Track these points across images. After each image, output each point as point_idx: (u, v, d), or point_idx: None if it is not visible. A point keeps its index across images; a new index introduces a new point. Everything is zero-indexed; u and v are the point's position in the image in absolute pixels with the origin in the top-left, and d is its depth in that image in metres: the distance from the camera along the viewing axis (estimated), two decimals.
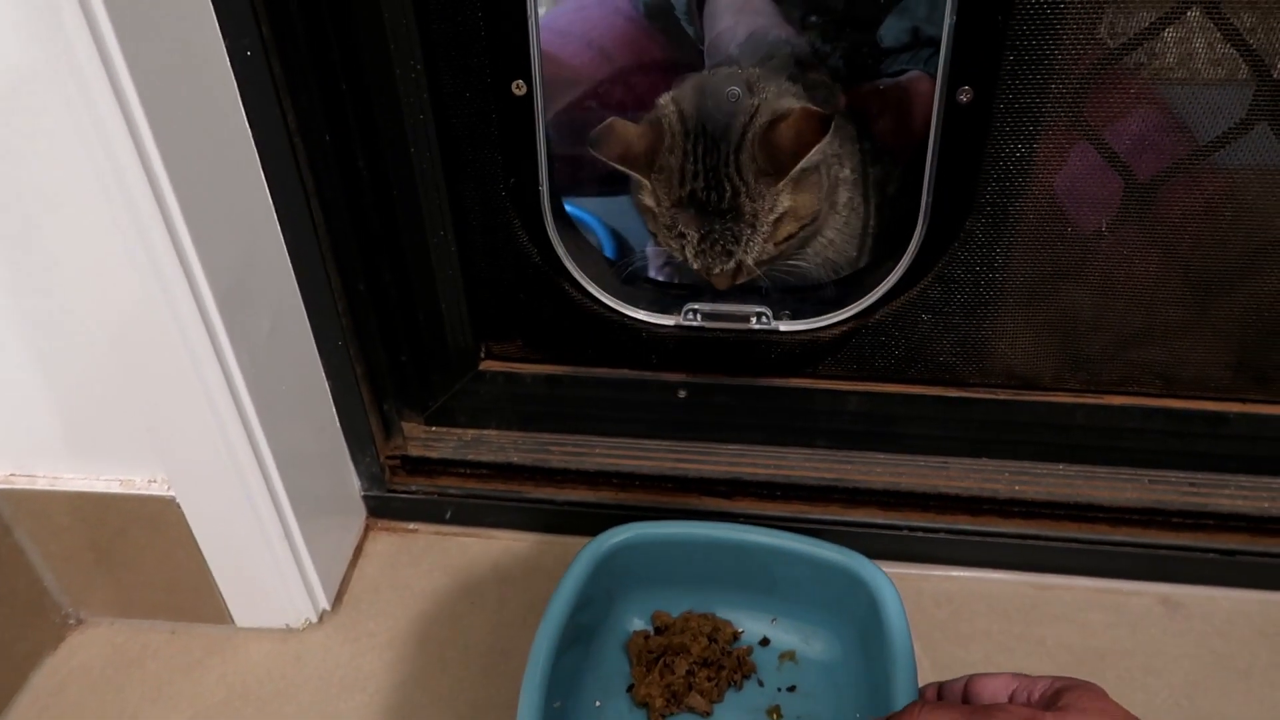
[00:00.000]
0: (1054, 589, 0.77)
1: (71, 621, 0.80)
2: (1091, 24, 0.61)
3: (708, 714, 0.67)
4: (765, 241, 0.72)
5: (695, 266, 0.73)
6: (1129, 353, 0.76)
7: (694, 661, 0.69)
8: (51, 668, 0.76)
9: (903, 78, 0.81)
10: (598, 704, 0.68)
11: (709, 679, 0.68)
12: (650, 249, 0.96)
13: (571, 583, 0.66)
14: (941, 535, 0.79)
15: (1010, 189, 0.68)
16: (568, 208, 0.80)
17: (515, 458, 0.85)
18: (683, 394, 0.83)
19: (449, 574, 0.82)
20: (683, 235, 0.72)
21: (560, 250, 0.71)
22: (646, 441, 0.85)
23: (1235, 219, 0.68)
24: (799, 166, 0.68)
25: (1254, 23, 0.62)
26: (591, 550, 0.69)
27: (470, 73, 0.70)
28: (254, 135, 0.64)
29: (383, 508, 0.87)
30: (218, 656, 0.76)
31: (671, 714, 0.67)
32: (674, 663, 0.69)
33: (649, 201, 0.72)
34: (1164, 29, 0.62)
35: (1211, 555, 0.75)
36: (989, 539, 0.78)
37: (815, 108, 0.70)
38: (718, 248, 0.71)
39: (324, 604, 0.78)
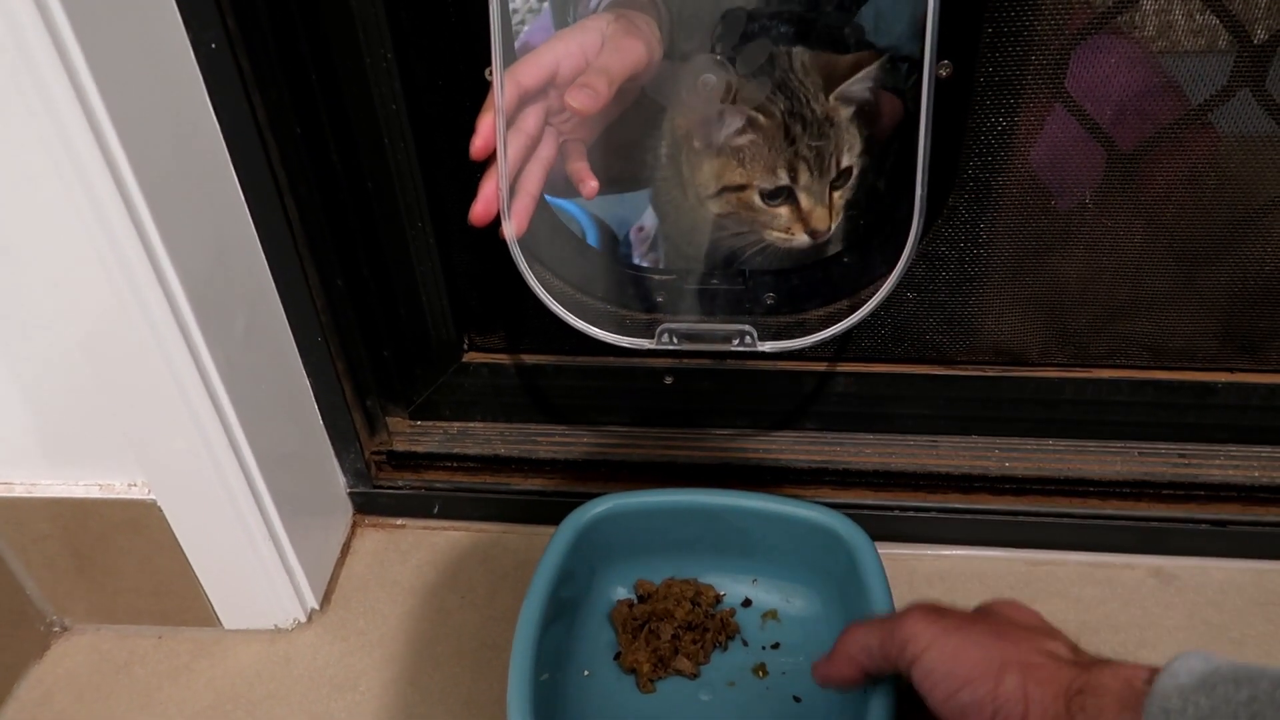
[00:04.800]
0: (1046, 565, 0.77)
1: (56, 629, 0.79)
2: None
3: (695, 675, 0.69)
4: (850, 148, 0.70)
5: (789, 214, 0.71)
6: (1116, 325, 0.76)
7: (678, 626, 0.70)
8: (37, 677, 0.75)
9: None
10: (586, 674, 0.69)
11: (694, 642, 0.70)
12: (634, 234, 0.96)
13: (552, 558, 0.67)
14: (933, 514, 0.78)
15: (993, 163, 0.68)
16: (547, 198, 0.78)
17: (502, 449, 0.85)
18: (669, 380, 0.82)
19: (438, 569, 0.81)
20: (796, 156, 0.69)
21: (523, 267, 0.66)
22: (634, 429, 0.84)
23: (1219, 187, 0.68)
24: (853, 84, 0.68)
25: None
26: (571, 524, 0.70)
27: (442, 60, 0.68)
28: (222, 130, 0.63)
29: (369, 504, 0.86)
30: (206, 660, 0.75)
31: (660, 677, 0.69)
32: (659, 628, 0.70)
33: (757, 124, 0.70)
34: None
35: (1203, 526, 0.75)
36: (980, 517, 0.78)
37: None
38: (826, 160, 0.69)
39: (312, 603, 0.78)
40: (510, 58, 0.61)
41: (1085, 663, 0.44)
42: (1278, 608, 0.72)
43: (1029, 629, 0.48)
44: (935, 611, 0.49)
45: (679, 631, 0.70)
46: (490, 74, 0.58)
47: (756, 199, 0.71)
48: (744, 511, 0.72)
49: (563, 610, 0.68)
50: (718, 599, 0.74)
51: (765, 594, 0.74)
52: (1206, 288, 0.73)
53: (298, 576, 0.76)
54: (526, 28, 0.90)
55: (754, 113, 0.68)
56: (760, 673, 0.69)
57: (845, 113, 0.69)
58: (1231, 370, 0.76)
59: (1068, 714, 0.42)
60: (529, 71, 0.60)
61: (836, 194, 0.71)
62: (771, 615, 0.72)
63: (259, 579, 0.74)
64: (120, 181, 0.54)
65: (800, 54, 0.70)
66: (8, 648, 0.75)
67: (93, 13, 0.51)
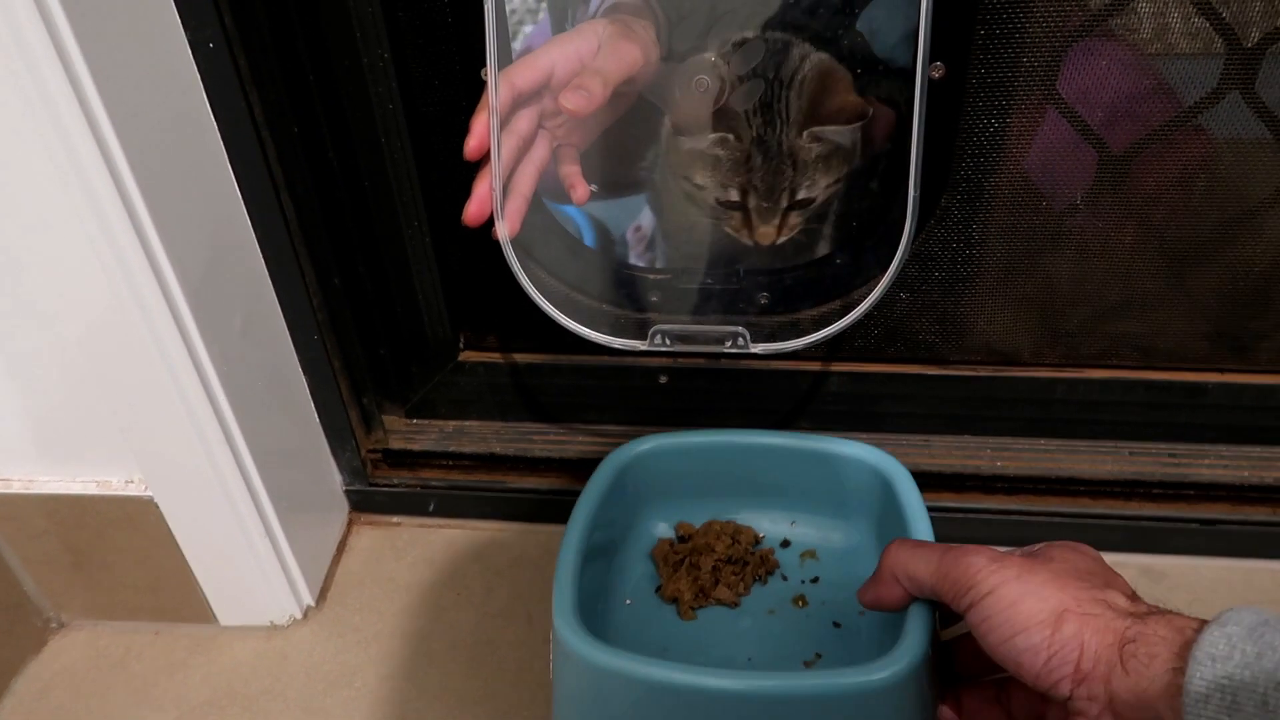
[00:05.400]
0: None
1: (53, 625, 0.79)
2: None
3: (735, 604, 0.70)
4: (810, 185, 0.71)
5: (740, 219, 0.72)
6: (1107, 326, 0.76)
7: (718, 559, 0.71)
8: (34, 672, 0.76)
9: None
10: (628, 602, 0.71)
11: (734, 574, 0.71)
12: (630, 234, 0.96)
13: (593, 492, 0.68)
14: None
15: (985, 165, 0.68)
16: (544, 200, 0.79)
17: (498, 448, 0.85)
18: (664, 379, 0.82)
19: (433, 566, 0.82)
20: (749, 181, 0.70)
21: (516, 267, 0.65)
22: (630, 428, 0.85)
23: (1208, 189, 0.68)
24: (827, 132, 0.68)
25: None
26: (613, 461, 0.71)
27: (439, 60, 0.69)
28: (220, 129, 0.63)
29: (365, 502, 0.87)
30: (202, 656, 0.76)
31: (700, 606, 0.70)
32: (699, 561, 0.71)
33: (720, 151, 0.71)
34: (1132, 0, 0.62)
35: (1193, 525, 0.76)
36: (973, 516, 0.78)
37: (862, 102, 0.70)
38: (776, 191, 0.70)
39: (308, 600, 0.78)
40: (508, 60, 0.62)
41: (1140, 612, 0.45)
42: (1266, 606, 0.72)
43: (1089, 577, 0.48)
44: (996, 557, 0.49)
45: (719, 564, 0.71)
46: (485, 75, 0.58)
47: (712, 199, 0.72)
48: (780, 450, 0.73)
49: (603, 550, 0.70)
50: (757, 540, 0.75)
51: (804, 534, 0.75)
52: (1197, 289, 0.73)
53: (294, 573, 0.76)
54: (527, 29, 0.90)
55: (726, 133, 0.69)
56: (800, 603, 0.70)
57: (815, 150, 0.69)
58: (1221, 371, 0.77)
59: (1120, 661, 0.43)
60: (524, 73, 0.60)
61: (793, 214, 0.72)
62: (810, 555, 0.74)
63: (255, 575, 0.74)
64: (118, 179, 0.54)
65: (812, 65, 0.69)
66: (5, 644, 0.75)
67: (91, 11, 0.51)
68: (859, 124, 0.67)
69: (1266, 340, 0.74)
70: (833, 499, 0.73)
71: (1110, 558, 0.75)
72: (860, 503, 0.72)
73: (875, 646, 0.64)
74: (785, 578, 0.72)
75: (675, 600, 0.70)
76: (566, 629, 0.57)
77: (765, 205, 0.71)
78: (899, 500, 0.66)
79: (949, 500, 0.79)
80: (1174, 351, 0.76)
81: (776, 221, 0.72)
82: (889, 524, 0.68)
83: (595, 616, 0.66)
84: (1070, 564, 0.49)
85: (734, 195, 0.71)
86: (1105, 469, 0.77)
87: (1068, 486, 0.77)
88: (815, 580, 0.72)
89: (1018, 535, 0.78)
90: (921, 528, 0.64)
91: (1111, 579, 0.49)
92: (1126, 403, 0.78)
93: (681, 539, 0.75)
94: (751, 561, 0.72)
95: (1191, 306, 0.74)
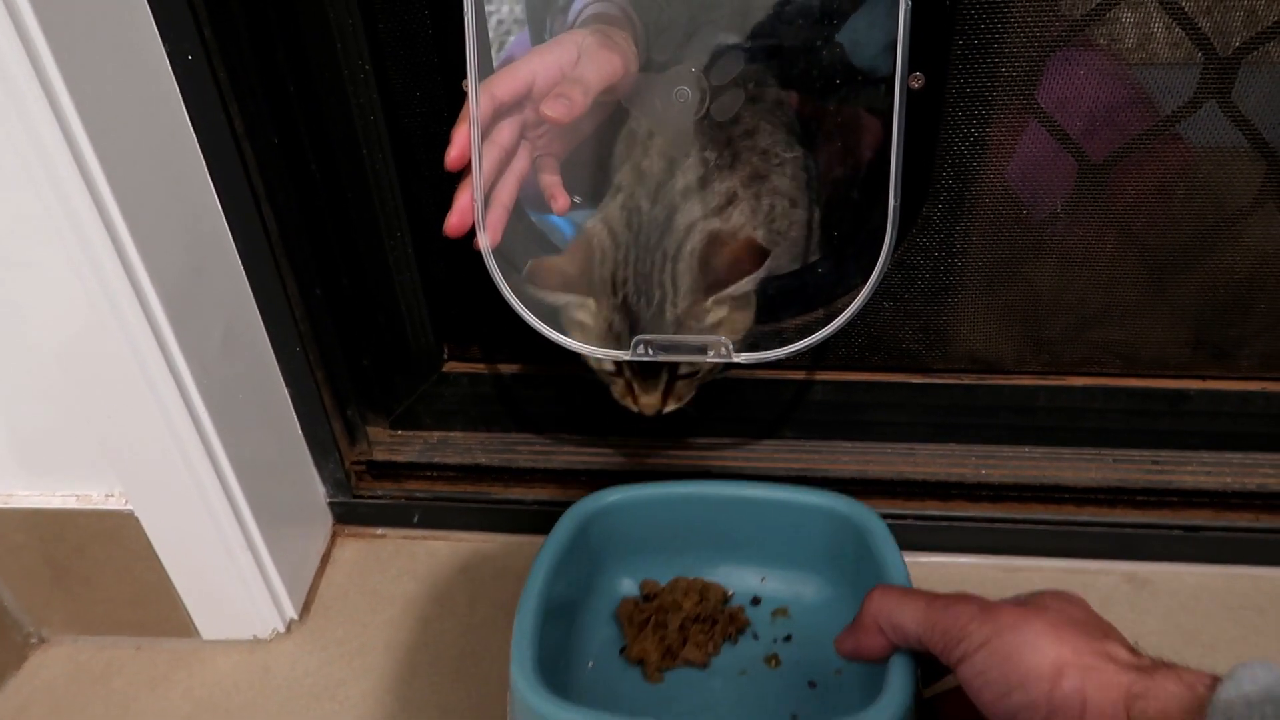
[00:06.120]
0: (1023, 571, 0.77)
1: (33, 641, 0.79)
2: (1038, 7, 0.61)
3: (705, 665, 0.67)
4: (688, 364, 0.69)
5: (624, 386, 0.71)
6: (1089, 333, 0.77)
7: (686, 617, 0.69)
8: (14, 688, 0.75)
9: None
10: (591, 664, 0.68)
11: (703, 633, 0.68)
12: None
13: (552, 550, 0.65)
14: (910, 521, 0.79)
15: (966, 174, 0.68)
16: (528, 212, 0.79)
17: (482, 459, 0.85)
18: None
19: (418, 578, 0.81)
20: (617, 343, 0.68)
21: (497, 278, 0.64)
22: (614, 438, 0.85)
23: (1187, 198, 0.69)
24: (729, 291, 0.66)
25: (1210, 2, 0.62)
26: (573, 516, 0.68)
27: (420, 71, 0.69)
28: (199, 140, 0.63)
29: (349, 514, 0.86)
30: (184, 670, 0.75)
31: (668, 667, 0.67)
32: (666, 620, 0.69)
33: (583, 316, 0.69)
34: (1110, 9, 0.62)
35: (1176, 532, 0.76)
36: (957, 524, 0.78)
37: (757, 239, 0.68)
38: (640, 363, 0.69)
39: (291, 613, 0.78)
40: (489, 71, 0.62)
41: (1145, 666, 0.43)
42: (1248, 612, 0.73)
43: (1086, 627, 0.46)
44: (987, 607, 0.46)
45: (687, 623, 0.69)
46: (466, 86, 0.58)
47: (594, 365, 0.72)
48: (748, 502, 0.71)
49: (563, 611, 0.67)
50: (726, 597, 0.72)
51: (775, 591, 0.72)
52: (1177, 296, 0.74)
53: (276, 586, 0.75)
54: (512, 39, 0.90)
55: (586, 299, 0.68)
56: (772, 662, 0.68)
57: (713, 316, 0.67)
58: (1203, 378, 0.77)
59: (1127, 718, 0.41)
60: (505, 84, 0.60)
61: (680, 383, 0.71)
62: (782, 612, 0.71)
63: (237, 589, 0.74)
64: (95, 191, 0.54)
65: (699, 233, 0.68)
66: None
67: (67, 23, 0.51)
68: (760, 273, 0.65)
69: (1246, 347, 0.75)
70: (804, 553, 0.71)
71: (1094, 565, 0.77)
72: (833, 556, 0.69)
73: (854, 706, 0.59)
74: (756, 636, 0.69)
75: (641, 662, 0.67)
76: (526, 686, 0.55)
77: (644, 377, 0.70)
78: (874, 553, 0.64)
79: (934, 509, 0.79)
80: (1156, 359, 0.77)
81: (659, 392, 0.71)
82: (865, 578, 0.64)
83: (557, 679, 0.62)
84: (1065, 613, 0.47)
85: (609, 365, 0.70)
86: (1089, 476, 0.77)
87: (1052, 494, 0.78)
88: (788, 638, 0.69)
89: (1003, 543, 0.78)
90: (898, 577, 0.61)
91: (1108, 629, 0.47)
92: (1109, 410, 0.78)
93: (647, 597, 0.72)
94: (721, 620, 0.69)
95: (1172, 314, 0.75)
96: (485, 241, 0.61)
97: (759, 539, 0.72)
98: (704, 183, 0.70)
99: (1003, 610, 0.46)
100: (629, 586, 0.73)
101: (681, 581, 0.72)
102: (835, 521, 0.68)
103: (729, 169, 0.71)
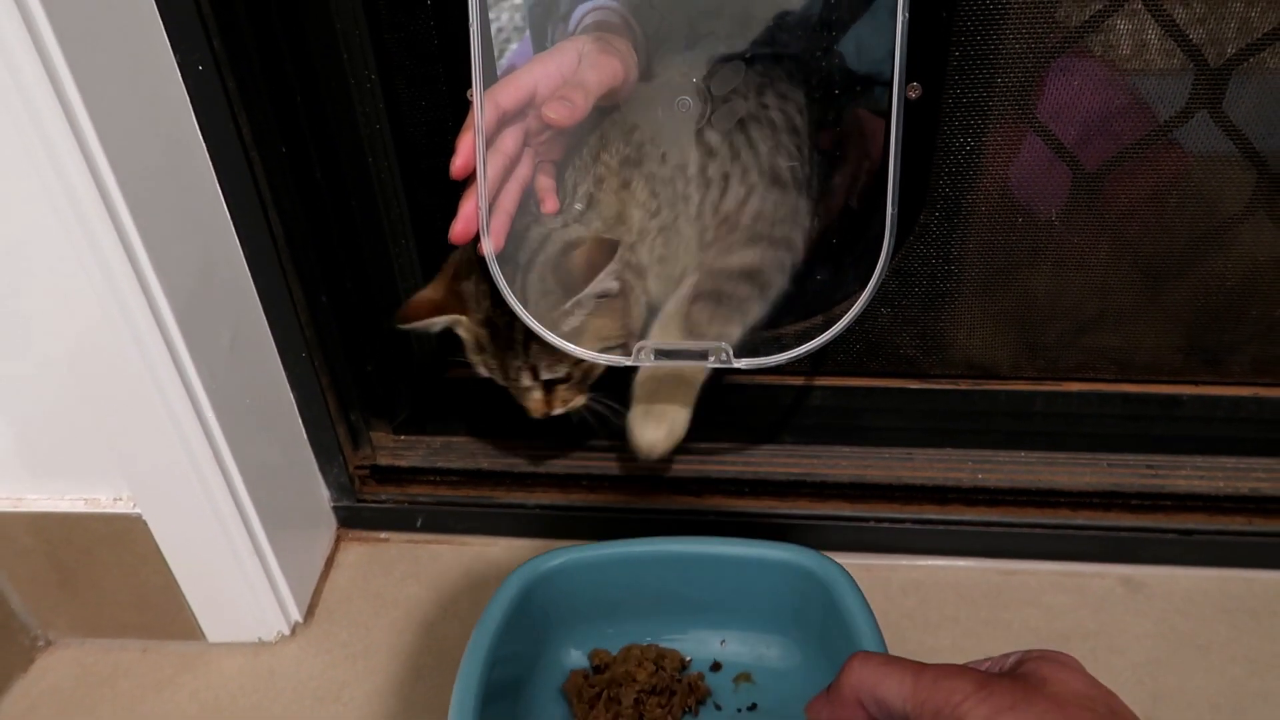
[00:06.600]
0: (1019, 574, 0.78)
1: (41, 643, 0.79)
2: (1033, 19, 0.62)
3: None
4: (561, 361, 0.70)
5: (513, 391, 0.74)
6: (1084, 339, 0.78)
7: (641, 690, 0.64)
8: (21, 690, 0.76)
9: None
10: None
11: (660, 706, 0.64)
12: None
13: (491, 623, 0.60)
14: (908, 525, 0.79)
15: (962, 182, 0.70)
16: None
17: (485, 463, 0.86)
18: None
19: (421, 582, 0.82)
20: (486, 361, 0.73)
21: (502, 285, 0.64)
22: (616, 443, 0.85)
23: (1180, 205, 0.70)
24: (586, 292, 0.66)
25: (1204, 12, 0.63)
26: (514, 582, 0.63)
27: (425, 81, 0.70)
28: (208, 149, 0.64)
29: (353, 517, 0.87)
30: (190, 673, 0.76)
31: None
32: (619, 694, 0.64)
33: (461, 332, 0.73)
34: (1104, 21, 0.64)
35: (1170, 535, 0.77)
36: (954, 527, 0.79)
37: (607, 236, 0.69)
38: (514, 369, 0.72)
39: (296, 616, 0.78)
40: (493, 80, 0.63)
41: None
42: (1242, 614, 0.74)
43: (1091, 705, 0.42)
44: (984, 684, 0.41)
45: (642, 696, 0.64)
46: (471, 95, 0.59)
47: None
48: (703, 559, 0.67)
49: (505, 689, 0.61)
50: (684, 664, 0.68)
51: (736, 653, 0.68)
52: (1170, 303, 0.75)
53: (281, 589, 0.76)
54: (514, 47, 0.91)
55: (457, 315, 0.71)
56: None
57: (571, 322, 0.68)
58: (1196, 383, 0.78)
59: None
60: (508, 93, 0.61)
61: (562, 388, 0.73)
62: (745, 678, 0.67)
63: (243, 592, 0.74)
64: (107, 198, 0.55)
65: (556, 241, 0.69)
66: None
67: (82, 34, 0.52)
68: (613, 267, 0.66)
69: (1238, 353, 0.76)
70: (766, 611, 0.66)
71: (1090, 568, 0.78)
72: (797, 614, 0.65)
73: None
74: (719, 706, 0.65)
75: None
76: None
77: (514, 384, 0.73)
78: (841, 610, 0.60)
79: (931, 512, 0.79)
80: (1150, 364, 0.78)
81: (539, 396, 0.73)
82: (832, 637, 0.60)
83: None
84: (1066, 687, 0.42)
85: (482, 371, 0.74)
86: (1084, 480, 0.78)
87: (1048, 498, 0.79)
88: (753, 708, 0.65)
89: (1000, 546, 0.79)
90: (870, 639, 0.57)
91: (1113, 702, 0.43)
92: (1104, 415, 0.79)
93: (597, 669, 0.67)
94: (679, 690, 0.65)
95: (1166, 320, 0.76)
96: (489, 247, 0.62)
97: (717, 598, 0.68)
98: (705, 189, 0.72)
99: (999, 686, 0.42)
100: (577, 658, 0.69)
101: (634, 649, 0.68)
102: (798, 576, 0.64)
103: (729, 177, 0.72)
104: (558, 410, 0.74)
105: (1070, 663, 0.45)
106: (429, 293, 0.72)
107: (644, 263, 0.72)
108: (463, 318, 0.71)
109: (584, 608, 0.68)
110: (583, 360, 0.68)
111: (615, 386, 0.75)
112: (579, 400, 0.74)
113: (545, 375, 0.72)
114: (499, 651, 0.60)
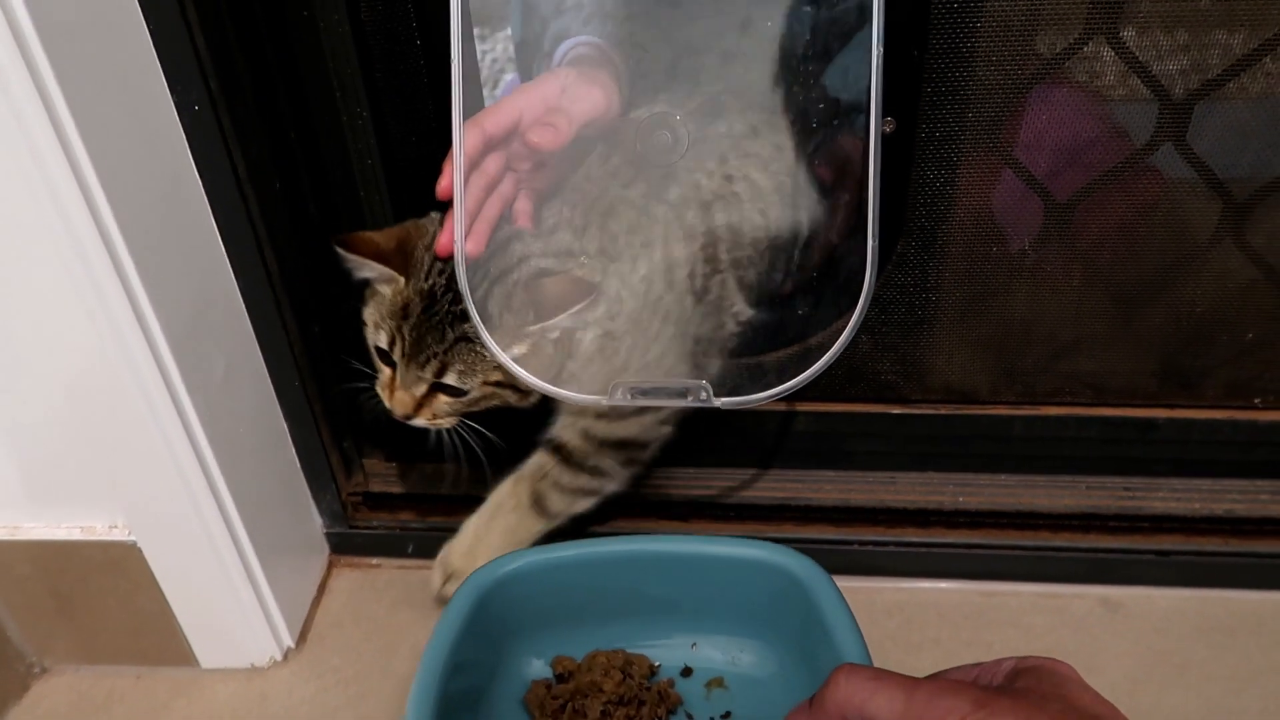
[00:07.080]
0: (999, 595, 0.80)
1: (36, 670, 0.80)
2: (1001, 57, 0.65)
3: None
4: (476, 374, 0.69)
5: (389, 377, 0.71)
6: (1061, 364, 0.79)
7: (608, 701, 0.62)
8: (16, 717, 0.76)
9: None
10: None
11: (628, 717, 0.61)
12: None
13: (446, 631, 0.58)
14: (891, 548, 0.81)
15: (937, 212, 0.71)
16: None
17: (476, 490, 0.87)
18: None
19: (413, 607, 0.83)
20: (399, 330, 0.68)
21: (476, 321, 0.64)
22: None
23: (1150, 234, 0.72)
24: (553, 321, 0.66)
25: (1186, 41, 0.65)
26: (470, 588, 0.60)
27: (415, 118, 0.72)
28: (204, 185, 0.66)
29: (345, 544, 0.88)
30: (184, 699, 0.77)
31: None
32: (585, 706, 0.62)
33: (383, 289, 0.70)
34: (1066, 60, 0.66)
35: (1148, 556, 0.78)
36: (936, 550, 0.81)
37: (585, 277, 0.68)
38: (425, 354, 0.68)
39: (288, 642, 0.79)
40: (478, 109, 0.65)
41: None
42: (1219, 634, 0.75)
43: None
44: (981, 701, 0.39)
45: (609, 707, 0.61)
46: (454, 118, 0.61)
47: (371, 343, 0.72)
48: (671, 558, 0.64)
49: (464, 699, 0.58)
50: (653, 670, 0.65)
51: (707, 658, 0.65)
52: (1144, 328, 0.77)
53: (274, 616, 0.77)
54: (508, 78, 0.94)
55: (396, 272, 0.68)
56: None
57: (521, 348, 0.67)
58: (1171, 406, 0.80)
59: None
60: (493, 119, 0.64)
61: (441, 396, 0.70)
62: (717, 683, 0.65)
63: (236, 618, 0.75)
64: (105, 233, 0.57)
65: (529, 270, 0.68)
66: None
67: (81, 75, 0.54)
68: (582, 307, 0.66)
69: (1211, 377, 0.78)
70: (739, 613, 0.64)
71: (1069, 589, 0.79)
72: (773, 616, 0.62)
73: None
74: (690, 715, 0.62)
75: None
76: None
77: (409, 367, 0.69)
78: (820, 610, 0.57)
79: (913, 535, 0.81)
80: (1125, 389, 0.79)
81: (418, 392, 0.69)
82: (811, 640, 0.58)
83: None
84: (1067, 703, 0.40)
85: (383, 340, 0.69)
86: (1063, 503, 0.80)
87: (1028, 520, 0.80)
88: (726, 716, 0.63)
89: (981, 568, 0.80)
90: (850, 643, 0.55)
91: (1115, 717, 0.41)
92: (1082, 438, 0.81)
93: (561, 678, 0.65)
94: (649, 700, 0.62)
95: (1140, 345, 0.78)
96: (460, 252, 0.63)
97: (687, 600, 0.65)
98: (682, 218, 0.73)
99: (998, 703, 0.39)
100: (539, 668, 0.66)
101: (600, 656, 0.65)
102: (773, 576, 0.62)
103: (708, 208, 0.73)
104: (421, 420, 0.71)
105: (1069, 674, 0.43)
106: (379, 237, 0.69)
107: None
108: (400, 278, 0.68)
109: (546, 613, 0.65)
110: (497, 383, 0.67)
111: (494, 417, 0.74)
112: (447, 422, 0.72)
113: (448, 379, 0.68)
114: (456, 657, 0.57)
